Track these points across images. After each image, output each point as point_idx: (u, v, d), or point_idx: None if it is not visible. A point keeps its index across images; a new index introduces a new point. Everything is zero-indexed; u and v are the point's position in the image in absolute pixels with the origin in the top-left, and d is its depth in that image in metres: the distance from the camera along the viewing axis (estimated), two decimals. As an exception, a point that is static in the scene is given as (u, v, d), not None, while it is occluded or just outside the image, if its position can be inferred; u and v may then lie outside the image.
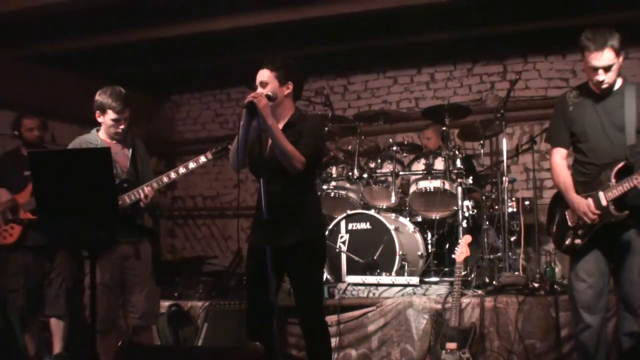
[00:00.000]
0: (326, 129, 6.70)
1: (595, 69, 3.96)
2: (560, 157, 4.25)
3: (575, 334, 4.18)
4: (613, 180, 3.94)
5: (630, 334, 3.99)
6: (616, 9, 6.53)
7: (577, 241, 4.07)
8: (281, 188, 3.95)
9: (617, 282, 4.13)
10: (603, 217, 3.97)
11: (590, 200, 3.99)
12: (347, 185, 6.79)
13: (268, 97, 3.87)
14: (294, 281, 4.12)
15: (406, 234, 6.39)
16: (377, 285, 6.03)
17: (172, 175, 4.73)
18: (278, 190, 3.92)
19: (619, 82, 4.09)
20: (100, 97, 4.72)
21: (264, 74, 4.02)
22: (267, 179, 3.86)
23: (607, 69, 3.94)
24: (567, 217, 4.14)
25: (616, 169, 3.95)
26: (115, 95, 4.70)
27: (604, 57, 3.91)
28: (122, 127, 4.74)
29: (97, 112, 4.74)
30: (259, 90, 3.97)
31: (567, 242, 4.13)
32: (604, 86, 4.00)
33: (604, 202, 3.95)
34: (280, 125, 4.02)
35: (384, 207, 6.65)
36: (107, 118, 4.71)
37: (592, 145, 4.08)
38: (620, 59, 3.97)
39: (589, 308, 4.05)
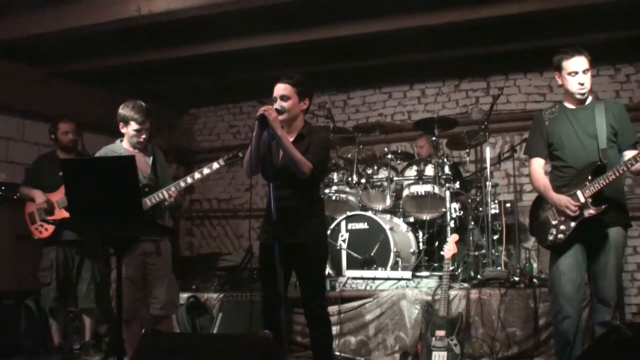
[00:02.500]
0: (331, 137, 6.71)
1: (575, 73, 4.01)
2: (538, 165, 4.26)
3: (556, 323, 4.14)
4: (589, 179, 3.95)
5: (603, 323, 3.98)
6: (586, 32, 6.54)
7: (560, 236, 4.04)
8: (290, 193, 3.94)
9: (591, 276, 4.10)
10: (582, 213, 3.96)
11: (570, 198, 4.00)
12: (347, 189, 6.79)
13: (277, 110, 3.87)
14: (300, 276, 4.08)
15: (400, 233, 6.38)
16: (374, 279, 6.03)
17: (189, 179, 4.71)
18: (288, 194, 3.92)
19: (589, 99, 4.13)
20: (123, 110, 4.71)
21: (285, 88, 3.96)
22: (279, 185, 3.87)
23: (585, 71, 4.01)
24: (549, 216, 4.12)
25: (591, 169, 3.96)
26: (136, 108, 4.69)
27: (582, 61, 4.00)
28: (143, 136, 4.73)
29: (121, 123, 4.74)
30: (279, 102, 3.94)
31: (551, 238, 4.10)
32: (584, 90, 4.04)
33: (582, 199, 3.95)
34: (293, 136, 4.00)
35: (380, 209, 6.64)
36: (130, 129, 4.70)
37: (568, 151, 4.10)
38: (591, 71, 4.04)
39: (569, 299, 4.02)
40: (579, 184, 3.99)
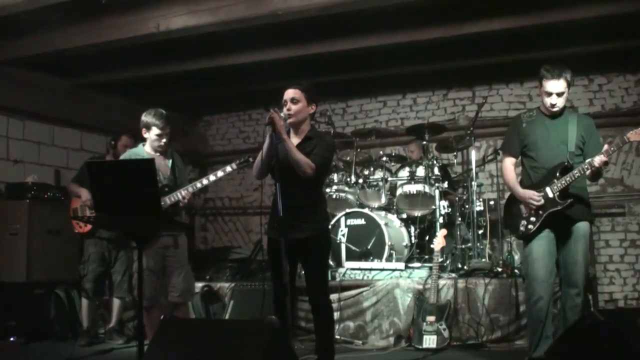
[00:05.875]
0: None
1: (550, 94, 4.05)
2: (510, 162, 4.35)
3: (530, 305, 4.18)
4: (557, 177, 4.04)
5: (574, 306, 4.04)
6: (562, 46, 6.54)
7: (530, 227, 4.13)
8: (296, 192, 3.86)
9: (561, 265, 4.15)
10: (550, 206, 4.05)
11: (534, 191, 4.10)
12: (346, 188, 6.79)
13: (282, 117, 3.84)
14: (306, 267, 4.02)
15: (394, 228, 6.39)
16: (370, 269, 6.03)
17: (204, 181, 4.71)
18: (294, 193, 3.83)
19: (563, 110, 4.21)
20: (145, 117, 4.71)
21: (295, 92, 3.91)
22: (286, 184, 3.81)
23: (559, 94, 4.05)
24: (521, 209, 4.21)
25: (559, 169, 4.06)
26: (158, 115, 4.69)
27: (559, 85, 4.03)
28: (164, 140, 4.73)
29: (143, 129, 4.72)
30: (289, 104, 3.89)
31: (522, 229, 4.19)
32: (555, 109, 4.11)
33: (550, 195, 4.05)
34: (300, 138, 3.97)
35: (376, 206, 6.64)
36: (152, 134, 4.69)
37: (541, 153, 4.18)
38: (569, 89, 4.09)
39: (541, 282, 4.07)
40: (548, 182, 4.08)
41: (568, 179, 3.99)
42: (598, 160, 3.87)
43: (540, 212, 4.09)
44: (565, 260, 4.10)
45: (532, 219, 4.12)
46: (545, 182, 4.10)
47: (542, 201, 4.07)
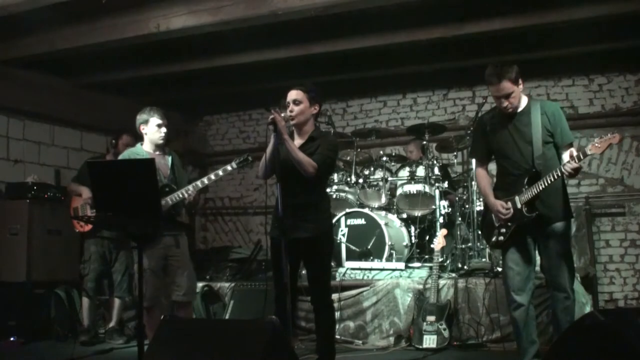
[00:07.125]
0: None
1: (498, 98, 3.94)
2: (481, 169, 4.26)
3: (510, 312, 4.10)
4: (525, 187, 3.91)
5: (565, 309, 3.93)
6: (562, 46, 6.55)
7: (500, 238, 4.03)
8: (299, 191, 3.87)
9: (544, 269, 4.04)
10: (518, 218, 3.94)
11: (502, 201, 3.99)
12: (346, 188, 6.80)
13: (284, 118, 3.84)
14: (309, 267, 4.03)
15: (394, 228, 6.39)
16: (371, 269, 6.04)
17: (205, 180, 4.71)
18: (297, 192, 3.85)
19: (525, 102, 4.03)
20: (141, 115, 4.75)
21: (297, 93, 3.94)
22: (290, 183, 3.80)
23: (507, 96, 3.90)
24: (494, 219, 4.09)
25: (526, 177, 3.92)
26: (154, 110, 4.75)
27: (504, 87, 3.87)
28: (164, 130, 4.73)
29: (141, 126, 4.74)
30: (292, 106, 3.92)
31: (493, 239, 4.10)
32: (509, 110, 3.96)
33: (518, 205, 3.92)
34: (304, 139, 3.98)
35: (376, 206, 6.65)
36: (151, 125, 4.70)
37: (508, 159, 4.05)
38: (520, 86, 3.92)
39: (518, 290, 3.98)
40: (517, 191, 3.95)
41: (535, 190, 3.84)
42: (569, 167, 3.68)
43: (509, 223, 3.97)
44: (548, 264, 3.98)
45: (503, 230, 4.02)
46: (515, 190, 3.97)
47: (511, 212, 3.94)
